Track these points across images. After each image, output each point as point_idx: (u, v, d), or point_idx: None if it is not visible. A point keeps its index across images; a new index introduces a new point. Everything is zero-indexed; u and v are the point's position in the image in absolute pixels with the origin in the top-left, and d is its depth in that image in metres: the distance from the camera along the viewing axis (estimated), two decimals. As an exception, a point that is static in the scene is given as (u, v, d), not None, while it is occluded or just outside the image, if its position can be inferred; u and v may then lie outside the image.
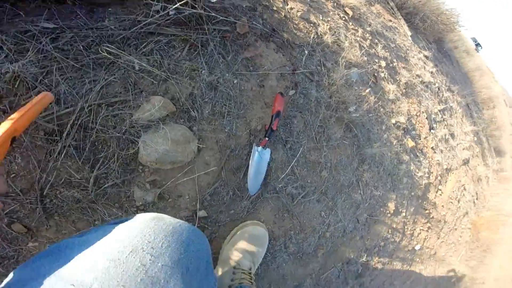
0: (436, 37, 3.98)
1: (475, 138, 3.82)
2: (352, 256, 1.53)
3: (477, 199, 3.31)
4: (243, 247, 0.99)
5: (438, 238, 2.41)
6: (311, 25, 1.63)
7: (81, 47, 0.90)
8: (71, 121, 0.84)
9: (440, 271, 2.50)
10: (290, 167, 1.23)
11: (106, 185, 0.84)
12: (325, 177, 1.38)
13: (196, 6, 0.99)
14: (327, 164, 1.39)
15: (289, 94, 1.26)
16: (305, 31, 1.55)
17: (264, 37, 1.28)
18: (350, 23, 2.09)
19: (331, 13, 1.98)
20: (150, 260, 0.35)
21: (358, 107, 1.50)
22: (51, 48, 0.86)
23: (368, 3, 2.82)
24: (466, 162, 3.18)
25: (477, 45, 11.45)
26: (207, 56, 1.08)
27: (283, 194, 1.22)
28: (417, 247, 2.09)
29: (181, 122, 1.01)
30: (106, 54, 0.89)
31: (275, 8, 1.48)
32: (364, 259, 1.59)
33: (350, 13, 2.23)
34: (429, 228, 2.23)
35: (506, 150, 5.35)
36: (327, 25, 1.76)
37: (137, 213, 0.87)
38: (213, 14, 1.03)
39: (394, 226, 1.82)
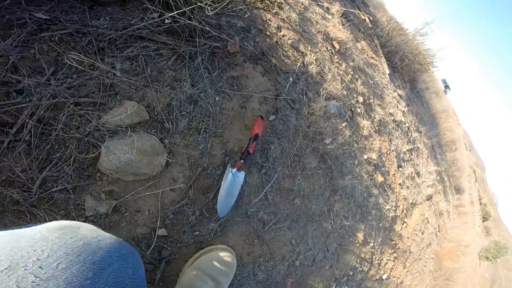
0: (411, 77, 4.34)
1: (438, 177, 4.16)
2: (321, 286, 1.52)
3: (439, 231, 3.57)
4: (207, 272, 0.91)
5: (404, 268, 2.52)
6: (299, 54, 1.69)
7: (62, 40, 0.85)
8: (28, 114, 0.76)
9: None
10: (263, 192, 1.22)
11: (53, 189, 0.78)
12: (297, 205, 1.38)
13: (193, 17, 0.98)
14: (300, 193, 1.39)
15: (270, 119, 1.26)
16: (293, 59, 1.59)
17: (253, 59, 1.28)
18: (336, 57, 2.20)
19: (319, 45, 2.07)
20: (33, 282, 0.28)
21: (334, 140, 1.55)
22: (33, 38, 0.80)
23: (355, 39, 3.02)
24: (429, 198, 3.44)
25: (446, 87, 12.68)
26: (193, 68, 1.05)
27: (255, 219, 1.19)
28: (384, 277, 2.16)
29: (152, 132, 0.95)
30: (70, 63, 0.82)
31: (268, 33, 1.51)
32: None
33: (337, 47, 2.36)
34: (395, 258, 2.34)
35: (465, 188, 5.88)
36: (314, 56, 1.84)
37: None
38: (207, 28, 1.02)
39: (363, 255, 1.87)
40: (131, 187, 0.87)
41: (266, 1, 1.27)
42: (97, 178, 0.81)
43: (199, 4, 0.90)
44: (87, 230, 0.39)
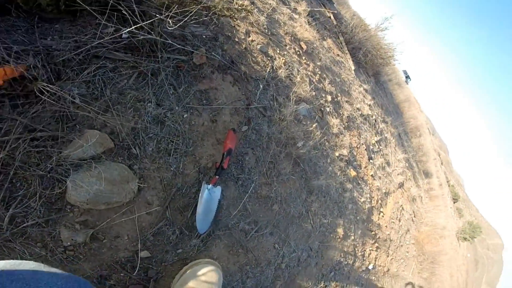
0: (374, 71, 4.59)
1: (407, 164, 4.49)
2: (309, 284, 1.58)
3: (414, 216, 3.85)
4: (193, 286, 0.91)
5: (388, 256, 2.70)
6: (268, 58, 1.69)
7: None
8: None
9: (398, 285, 2.78)
10: (242, 203, 1.22)
11: (24, 224, 0.75)
12: (276, 210, 1.41)
13: (153, 31, 0.92)
14: (277, 198, 1.42)
15: (242, 130, 1.25)
16: (262, 65, 1.59)
17: (222, 69, 1.26)
18: (303, 58, 2.24)
19: (287, 47, 2.09)
20: None
21: (306, 142, 1.59)
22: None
23: (321, 37, 3.10)
24: (401, 185, 3.70)
25: (407, 77, 13.56)
26: (157, 86, 1.00)
27: (236, 230, 1.20)
28: (370, 267, 2.29)
29: (119, 160, 0.90)
30: (40, 94, 0.74)
31: (236, 39, 1.48)
32: (322, 285, 1.66)
33: (305, 47, 2.40)
34: (377, 247, 2.48)
35: (432, 172, 6.42)
36: (282, 59, 1.85)
37: (65, 253, 0.79)
38: (169, 41, 0.97)
39: (345, 249, 1.97)
40: (105, 215, 0.85)
41: (233, 9, 1.24)
42: (68, 210, 0.80)
43: (158, 17, 0.85)
44: (28, 265, 0.40)
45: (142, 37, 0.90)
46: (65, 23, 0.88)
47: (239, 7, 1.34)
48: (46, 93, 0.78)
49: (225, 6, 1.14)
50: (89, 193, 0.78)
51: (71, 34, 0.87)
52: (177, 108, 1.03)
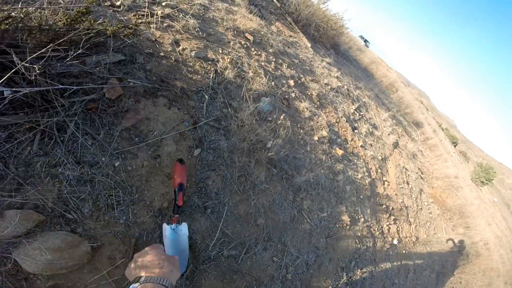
0: (331, 43, 4.47)
1: (394, 121, 4.38)
2: (329, 282, 1.46)
3: (422, 173, 3.70)
4: None
5: (411, 224, 2.52)
6: (209, 63, 1.52)
7: None
8: None
9: (435, 250, 2.62)
10: (218, 230, 1.07)
11: None
12: (262, 224, 1.27)
13: (36, 79, 0.74)
14: (260, 211, 1.27)
15: (195, 155, 1.09)
16: (203, 72, 1.42)
17: (149, 94, 1.08)
18: (253, 49, 2.08)
19: (231, 43, 1.92)
20: None
21: (276, 140, 1.44)
22: None
23: (268, 23, 2.94)
24: (396, 145, 3.55)
25: (365, 41, 13.68)
26: (69, 142, 0.83)
27: (221, 259, 1.07)
28: (395, 242, 2.14)
29: (57, 228, 0.79)
30: None
31: (162, 54, 1.31)
32: (345, 278, 1.54)
33: (251, 38, 2.24)
34: (395, 219, 2.31)
35: (422, 120, 6.36)
36: (227, 58, 1.68)
37: None
38: (59, 86, 0.78)
39: (359, 234, 1.82)
40: (72, 276, 0.80)
41: (130, 26, 1.06)
42: (34, 278, 0.76)
43: (21, 63, 0.67)
44: None
45: (25, 91, 0.72)
46: None
47: (137, 22, 1.16)
48: None
49: (120, 26, 0.96)
50: (40, 264, 0.75)
51: None
52: (103, 159, 0.86)
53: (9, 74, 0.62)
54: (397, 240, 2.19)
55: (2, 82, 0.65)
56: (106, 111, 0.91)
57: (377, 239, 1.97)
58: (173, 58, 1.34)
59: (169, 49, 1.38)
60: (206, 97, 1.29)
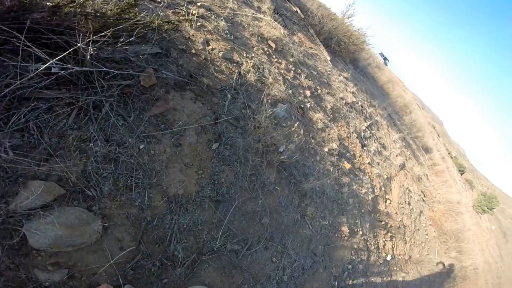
0: (351, 58, 4.52)
1: (404, 143, 4.37)
2: None
3: (424, 196, 3.70)
4: None
5: (406, 243, 2.55)
6: (234, 64, 1.59)
7: None
8: None
9: (425, 270, 2.63)
10: (224, 224, 1.12)
11: None
12: (267, 223, 1.30)
13: (85, 60, 0.81)
14: (266, 211, 1.31)
15: (213, 148, 1.14)
16: (228, 73, 1.49)
17: (179, 87, 1.15)
18: (274, 57, 2.15)
19: (255, 48, 2.00)
20: None
21: (288, 145, 1.49)
22: None
23: (291, 33, 3.02)
24: (402, 166, 3.56)
25: (385, 59, 13.65)
26: (102, 120, 0.89)
27: (224, 252, 1.11)
28: (388, 258, 2.17)
29: (74, 204, 0.83)
30: None
31: (193, 51, 1.38)
32: (336, 287, 1.55)
33: (274, 46, 2.32)
34: (391, 237, 2.34)
35: (431, 146, 6.28)
36: (250, 62, 1.75)
37: None
38: (105, 69, 0.86)
39: (356, 246, 1.85)
40: (76, 256, 0.82)
41: (174, 21, 1.14)
42: (36, 254, 0.79)
43: (78, 44, 0.74)
44: None
45: (70, 70, 0.79)
46: (-20, 67, 0.77)
47: (179, 18, 1.23)
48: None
49: (164, 20, 1.04)
50: (49, 239, 0.78)
51: (-13, 79, 0.76)
52: (130, 140, 0.92)
53: (68, 51, 0.69)
54: (391, 256, 2.20)
55: (58, 59, 0.72)
56: (139, 97, 0.98)
57: (372, 253, 1.99)
58: (202, 56, 1.41)
59: (200, 48, 1.45)
60: (229, 96, 1.36)
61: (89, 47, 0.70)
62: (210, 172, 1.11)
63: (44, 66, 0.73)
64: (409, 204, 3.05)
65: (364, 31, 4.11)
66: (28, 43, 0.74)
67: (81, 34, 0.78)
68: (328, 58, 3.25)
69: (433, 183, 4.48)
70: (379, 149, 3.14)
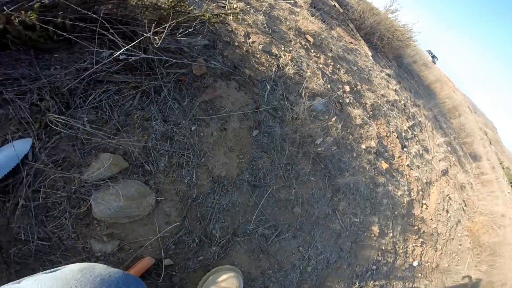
0: (395, 54, 4.25)
1: (449, 148, 4.00)
2: (342, 285, 1.47)
3: (465, 206, 3.39)
4: None
5: (436, 251, 2.40)
6: (273, 57, 1.64)
7: (28, 106, 0.82)
8: (17, 183, 0.79)
9: (450, 281, 2.47)
10: (258, 209, 1.18)
11: (61, 239, 0.83)
12: (298, 213, 1.33)
13: (148, 49, 0.94)
14: (298, 200, 1.34)
15: (253, 135, 1.21)
16: (267, 65, 1.54)
17: (225, 76, 1.24)
18: (312, 51, 2.15)
19: (292, 42, 2.02)
20: None
21: (325, 139, 1.49)
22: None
23: (329, 27, 2.96)
24: (445, 172, 3.29)
25: (433, 57, 12.47)
26: (161, 103, 1.01)
27: (255, 235, 1.16)
28: (415, 264, 2.07)
29: (135, 177, 0.94)
30: (55, 127, 0.80)
31: (236, 44, 1.46)
32: (357, 285, 1.54)
33: (311, 40, 2.31)
34: (422, 243, 2.22)
35: (481, 154, 5.64)
36: (289, 55, 1.78)
37: (98, 263, 0.83)
38: (164, 57, 0.97)
39: (383, 247, 1.80)
40: (129, 227, 0.90)
41: (221, 14, 1.22)
42: (96, 225, 0.86)
43: (145, 35, 0.85)
44: (100, 269, 0.49)
45: (136, 57, 0.92)
46: (63, 51, 0.93)
47: (226, 12, 1.31)
48: (58, 123, 0.82)
49: (213, 14, 1.13)
50: (110, 210, 0.85)
51: (71, 62, 0.91)
52: (184, 122, 1.03)
53: (137, 40, 0.80)
54: (418, 262, 2.07)
55: (127, 48, 0.84)
56: (191, 84, 1.08)
57: (398, 256, 1.90)
58: (244, 49, 1.48)
59: (242, 40, 1.53)
60: (268, 87, 1.41)
61: (155, 37, 0.80)
62: (249, 157, 1.18)
63: (118, 52, 0.86)
64: (447, 211, 2.82)
65: (410, 27, 3.83)
66: (103, 32, 0.87)
67: (145, 25, 0.89)
68: (370, 54, 3.12)
69: (477, 193, 4.05)
70: (421, 151, 2.94)
